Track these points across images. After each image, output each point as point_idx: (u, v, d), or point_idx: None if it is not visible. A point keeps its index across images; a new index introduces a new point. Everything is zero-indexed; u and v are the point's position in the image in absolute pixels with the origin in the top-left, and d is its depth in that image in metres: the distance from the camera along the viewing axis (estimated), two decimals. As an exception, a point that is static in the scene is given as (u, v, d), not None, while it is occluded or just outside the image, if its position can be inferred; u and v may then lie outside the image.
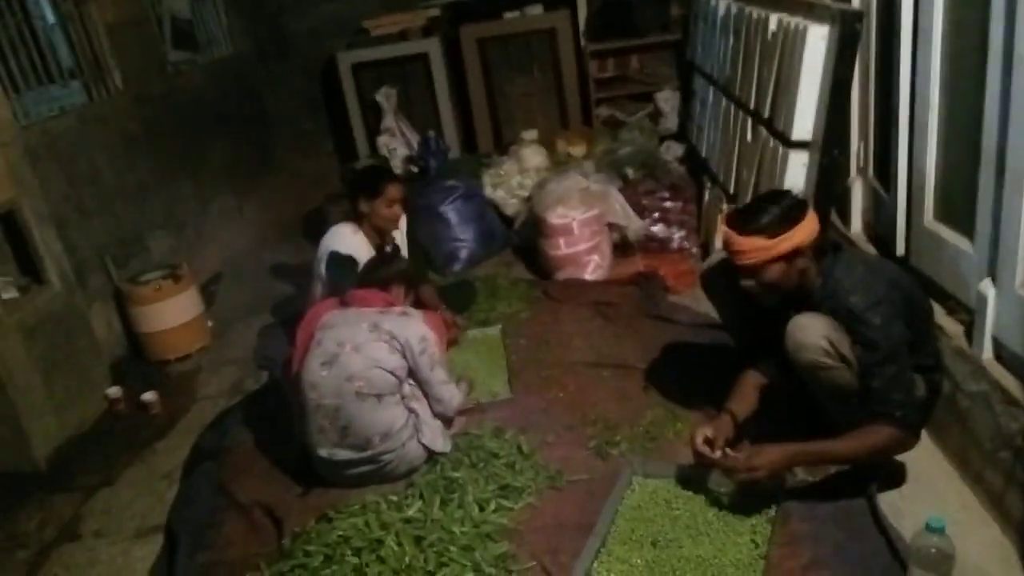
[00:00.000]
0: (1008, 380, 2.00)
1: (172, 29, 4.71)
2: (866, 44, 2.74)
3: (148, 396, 3.36)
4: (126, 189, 4.01)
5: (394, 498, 2.43)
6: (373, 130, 5.26)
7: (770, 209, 2.13)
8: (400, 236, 3.43)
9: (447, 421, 2.69)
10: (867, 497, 2.20)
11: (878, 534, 2.06)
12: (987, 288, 2.07)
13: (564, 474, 2.51)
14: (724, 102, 3.78)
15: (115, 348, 3.76)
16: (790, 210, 2.12)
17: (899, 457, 2.25)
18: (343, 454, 2.52)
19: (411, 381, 2.56)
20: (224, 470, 2.82)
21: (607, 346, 3.26)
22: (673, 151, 4.40)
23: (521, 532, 2.28)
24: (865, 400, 2.09)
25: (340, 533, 2.26)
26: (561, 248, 3.79)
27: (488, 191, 4.42)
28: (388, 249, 2.88)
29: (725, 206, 3.67)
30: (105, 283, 3.77)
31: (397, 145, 4.89)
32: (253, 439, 2.98)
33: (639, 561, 2.09)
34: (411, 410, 2.55)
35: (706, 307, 3.46)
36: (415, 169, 4.68)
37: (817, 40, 2.64)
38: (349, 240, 3.18)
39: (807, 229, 2.11)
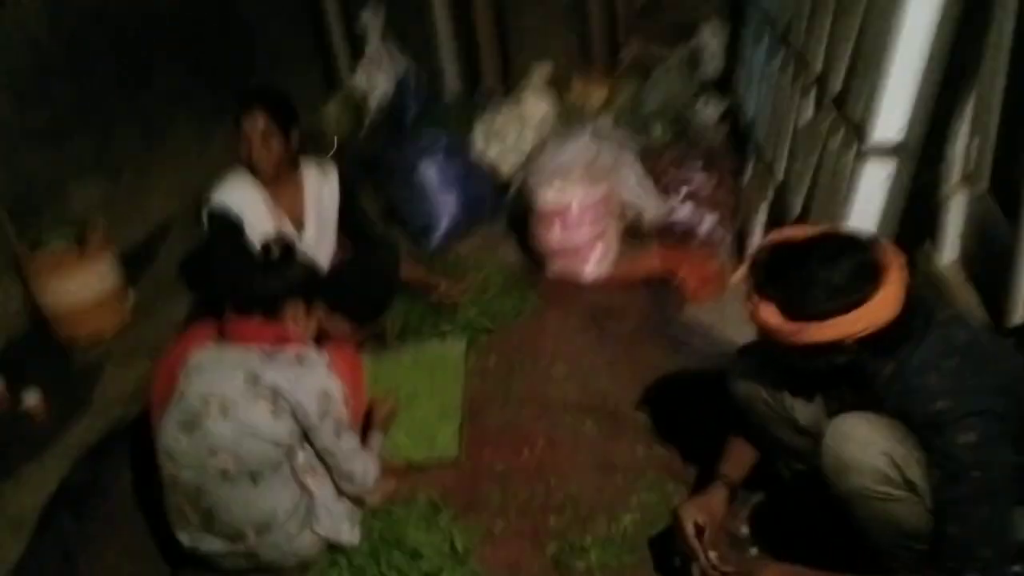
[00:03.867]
0: None
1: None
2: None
3: (29, 398, 2.73)
4: (35, 125, 3.27)
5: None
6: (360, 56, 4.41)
7: (821, 276, 1.38)
8: (311, 208, 2.60)
9: (359, 501, 2.00)
10: None
11: None
12: None
13: (509, 597, 1.84)
14: (782, 54, 2.88)
15: (13, 326, 3.11)
16: (854, 282, 1.37)
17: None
18: (209, 543, 1.87)
19: (305, 448, 1.86)
20: (84, 528, 2.19)
21: (597, 377, 2.52)
22: (712, 108, 3.51)
23: None
24: (934, 545, 1.40)
25: None
26: (556, 235, 2.99)
27: (479, 147, 3.59)
28: (274, 247, 1.94)
29: (770, 193, 2.83)
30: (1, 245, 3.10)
31: (380, 80, 4.04)
32: (132, 479, 2.33)
33: None
34: (304, 488, 1.86)
35: (733, 328, 2.71)
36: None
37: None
38: (238, 191, 2.45)
39: (872, 314, 1.36)
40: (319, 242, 2.62)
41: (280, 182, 2.52)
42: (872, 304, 1.35)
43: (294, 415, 1.77)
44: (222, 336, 1.85)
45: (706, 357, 2.55)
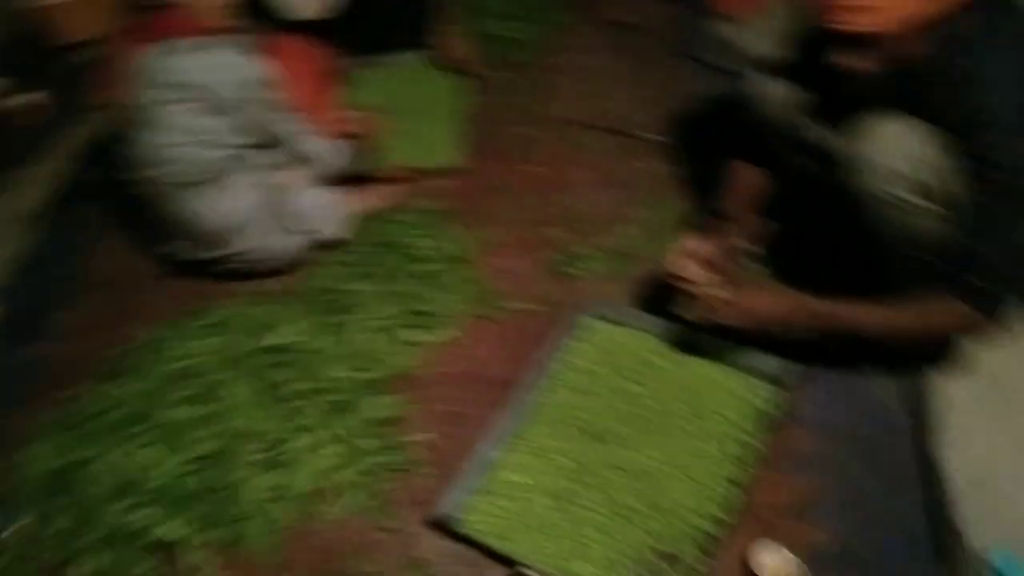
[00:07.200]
0: None
1: None
2: None
3: (27, 97, 2.64)
4: None
5: (261, 311, 1.80)
6: None
7: None
8: None
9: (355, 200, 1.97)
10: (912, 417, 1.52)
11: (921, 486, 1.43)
12: None
13: (505, 298, 1.84)
14: None
15: (10, 24, 2.94)
16: None
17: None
18: (190, 251, 1.88)
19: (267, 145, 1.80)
20: (84, 227, 2.18)
21: (611, 96, 2.38)
22: None
23: (425, 381, 1.68)
24: (959, 263, 1.31)
25: (174, 365, 1.66)
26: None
27: None
28: None
29: None
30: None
31: None
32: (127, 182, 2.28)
33: (562, 460, 1.49)
34: (274, 187, 1.82)
35: (769, 51, 2.50)
36: None
37: None
38: None
39: None
40: None
41: None
42: None
43: (220, 106, 1.67)
44: (149, 35, 1.70)
45: (729, 78, 2.37)
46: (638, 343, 1.68)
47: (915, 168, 1.28)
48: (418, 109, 2.34)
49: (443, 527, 1.41)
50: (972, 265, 1.28)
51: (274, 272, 1.90)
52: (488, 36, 2.60)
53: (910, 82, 1.30)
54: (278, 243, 1.84)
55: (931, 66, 1.27)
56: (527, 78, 2.46)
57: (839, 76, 1.33)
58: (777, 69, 1.58)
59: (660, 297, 1.71)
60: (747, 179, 1.71)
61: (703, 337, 1.61)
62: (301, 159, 1.85)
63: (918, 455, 1.46)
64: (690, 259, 1.53)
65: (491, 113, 2.34)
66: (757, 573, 1.28)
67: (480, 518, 1.40)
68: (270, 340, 1.71)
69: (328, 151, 1.88)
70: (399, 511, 1.47)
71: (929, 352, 1.54)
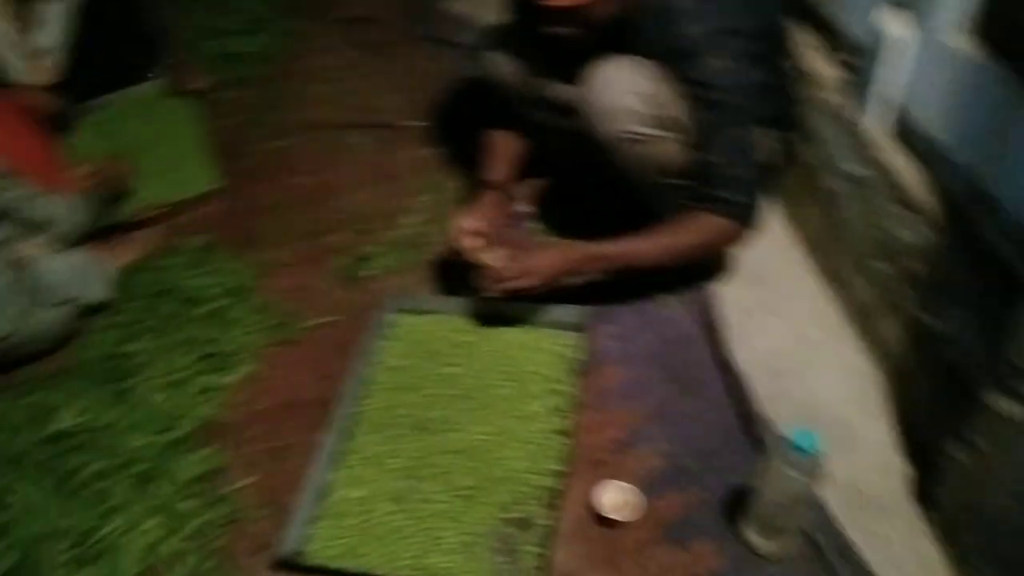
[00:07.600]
0: (906, 170, 1.35)
1: None
2: None
3: None
4: None
5: (36, 398, 1.63)
6: None
7: None
8: None
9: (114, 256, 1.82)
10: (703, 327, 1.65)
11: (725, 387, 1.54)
12: (891, 24, 1.33)
13: (301, 317, 1.77)
14: None
15: None
16: None
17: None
18: None
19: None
20: None
21: (361, 93, 2.35)
22: None
23: (237, 424, 1.59)
24: (693, 177, 1.45)
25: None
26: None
27: None
28: None
29: None
30: None
31: None
32: None
33: (395, 461, 1.46)
34: (12, 263, 1.63)
35: (494, 17, 2.57)
36: None
37: None
38: None
39: None
40: None
41: None
42: None
43: None
44: None
45: (470, 52, 2.43)
46: (444, 327, 1.68)
47: (641, 102, 1.38)
48: (160, 143, 2.20)
49: (291, 565, 1.35)
50: (714, 179, 1.40)
51: (41, 353, 1.71)
52: (223, 55, 2.50)
53: (617, 30, 1.40)
54: (38, 322, 1.65)
55: (631, 13, 1.38)
56: (273, 90, 2.38)
57: (554, 39, 1.42)
58: (506, 36, 1.64)
59: (455, 277, 1.73)
60: (506, 145, 1.76)
61: (504, 305, 1.65)
62: (38, 226, 1.67)
63: (716, 360, 1.58)
64: (470, 234, 1.57)
65: (242, 132, 2.25)
66: (601, 512, 1.33)
67: (326, 544, 1.35)
68: (52, 427, 1.55)
69: (67, 210, 1.71)
70: (242, 563, 1.38)
71: (704, 265, 1.67)
